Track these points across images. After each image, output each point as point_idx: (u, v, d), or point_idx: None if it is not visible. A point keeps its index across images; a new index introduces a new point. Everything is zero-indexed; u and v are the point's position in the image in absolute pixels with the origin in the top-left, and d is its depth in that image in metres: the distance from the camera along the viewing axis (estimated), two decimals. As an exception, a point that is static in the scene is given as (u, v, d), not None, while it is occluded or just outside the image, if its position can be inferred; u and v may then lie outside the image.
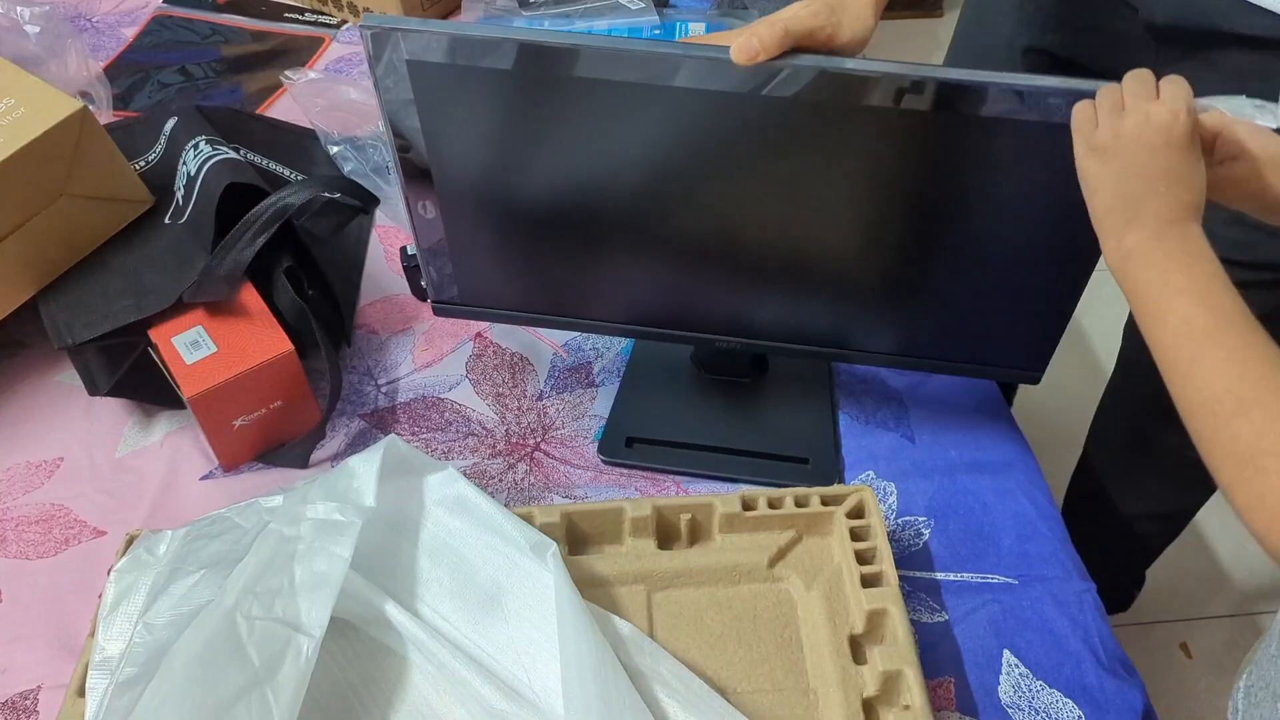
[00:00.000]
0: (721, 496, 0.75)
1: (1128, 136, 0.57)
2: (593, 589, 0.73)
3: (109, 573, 0.69)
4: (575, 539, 0.76)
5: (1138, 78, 0.59)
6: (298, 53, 1.38)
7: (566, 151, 0.70)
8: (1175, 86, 0.58)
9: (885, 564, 0.71)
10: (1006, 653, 0.72)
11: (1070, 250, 0.69)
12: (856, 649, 0.69)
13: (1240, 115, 0.59)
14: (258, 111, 1.24)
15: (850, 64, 0.62)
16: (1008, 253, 0.71)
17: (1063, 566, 0.77)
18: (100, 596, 0.68)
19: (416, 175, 0.73)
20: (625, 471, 0.84)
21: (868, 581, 0.70)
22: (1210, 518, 1.59)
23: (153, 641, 0.62)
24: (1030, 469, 0.84)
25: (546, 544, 0.70)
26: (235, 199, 0.86)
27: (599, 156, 0.70)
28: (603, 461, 0.84)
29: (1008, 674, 0.71)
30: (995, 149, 0.65)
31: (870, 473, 0.83)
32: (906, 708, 0.65)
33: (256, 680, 0.61)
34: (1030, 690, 0.70)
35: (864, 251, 0.74)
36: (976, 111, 0.62)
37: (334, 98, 1.12)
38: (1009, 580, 0.76)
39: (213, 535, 0.69)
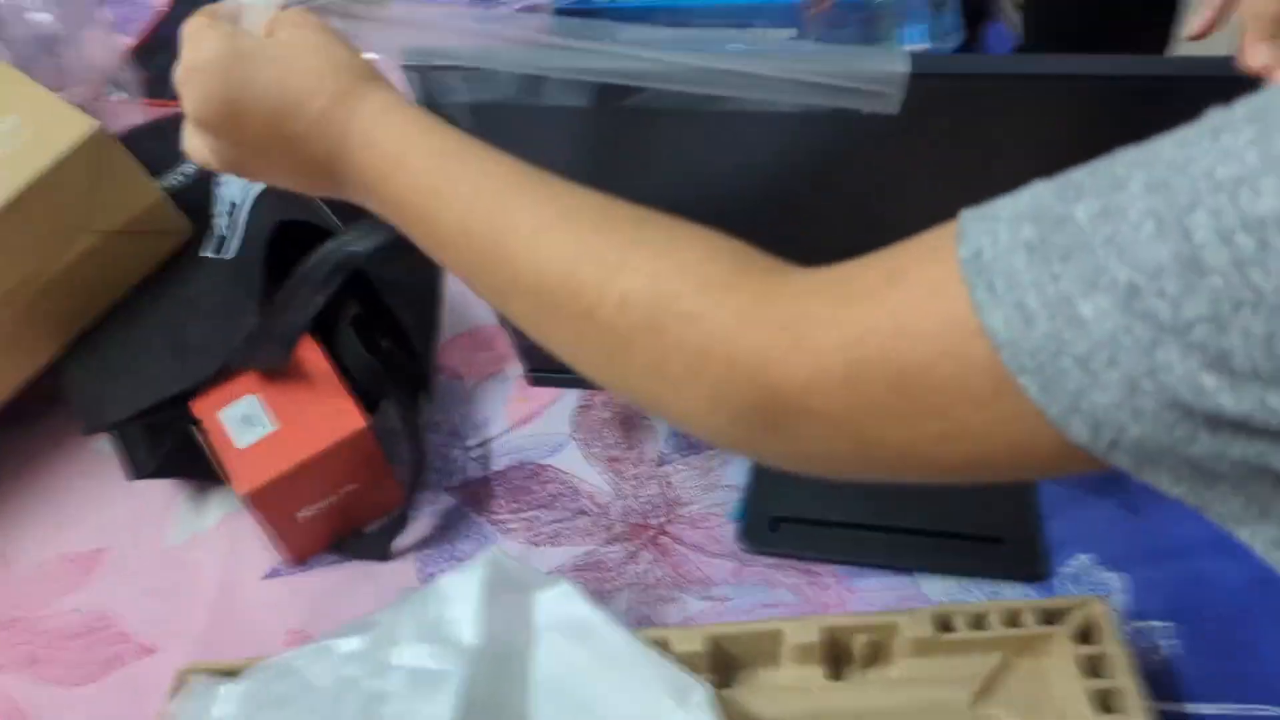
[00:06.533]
0: (908, 614, 0.59)
1: None
2: (750, 735, 0.58)
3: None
4: (721, 664, 0.61)
5: None
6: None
7: (667, 187, 0.53)
8: None
9: (1136, 715, 0.54)
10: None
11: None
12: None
13: None
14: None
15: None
16: None
17: (1353, 693, 0.60)
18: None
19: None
20: (773, 561, 0.68)
21: (1113, 739, 0.54)
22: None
23: None
24: (1290, 546, 0.66)
25: (691, 687, 0.56)
26: (288, 233, 0.71)
27: (711, 191, 0.53)
28: (743, 550, 0.68)
29: None
30: None
31: (1084, 558, 0.66)
32: None
33: None
34: None
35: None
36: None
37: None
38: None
39: (278, 701, 0.55)
